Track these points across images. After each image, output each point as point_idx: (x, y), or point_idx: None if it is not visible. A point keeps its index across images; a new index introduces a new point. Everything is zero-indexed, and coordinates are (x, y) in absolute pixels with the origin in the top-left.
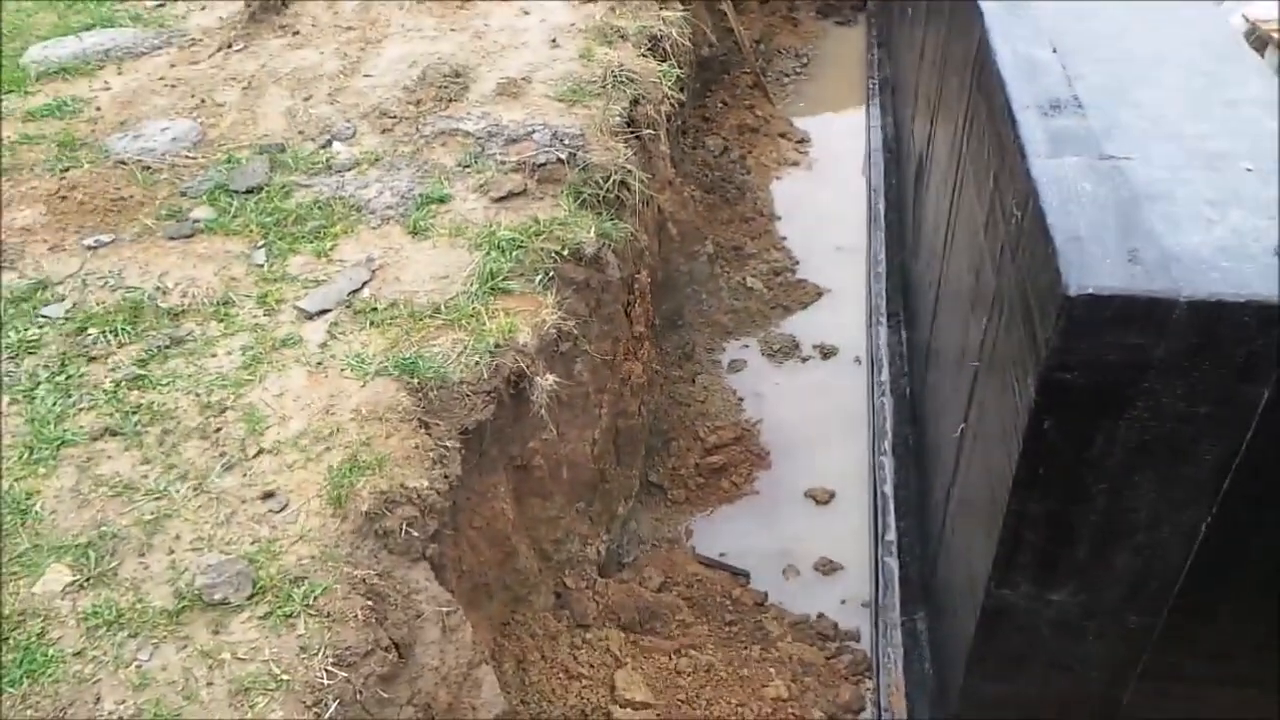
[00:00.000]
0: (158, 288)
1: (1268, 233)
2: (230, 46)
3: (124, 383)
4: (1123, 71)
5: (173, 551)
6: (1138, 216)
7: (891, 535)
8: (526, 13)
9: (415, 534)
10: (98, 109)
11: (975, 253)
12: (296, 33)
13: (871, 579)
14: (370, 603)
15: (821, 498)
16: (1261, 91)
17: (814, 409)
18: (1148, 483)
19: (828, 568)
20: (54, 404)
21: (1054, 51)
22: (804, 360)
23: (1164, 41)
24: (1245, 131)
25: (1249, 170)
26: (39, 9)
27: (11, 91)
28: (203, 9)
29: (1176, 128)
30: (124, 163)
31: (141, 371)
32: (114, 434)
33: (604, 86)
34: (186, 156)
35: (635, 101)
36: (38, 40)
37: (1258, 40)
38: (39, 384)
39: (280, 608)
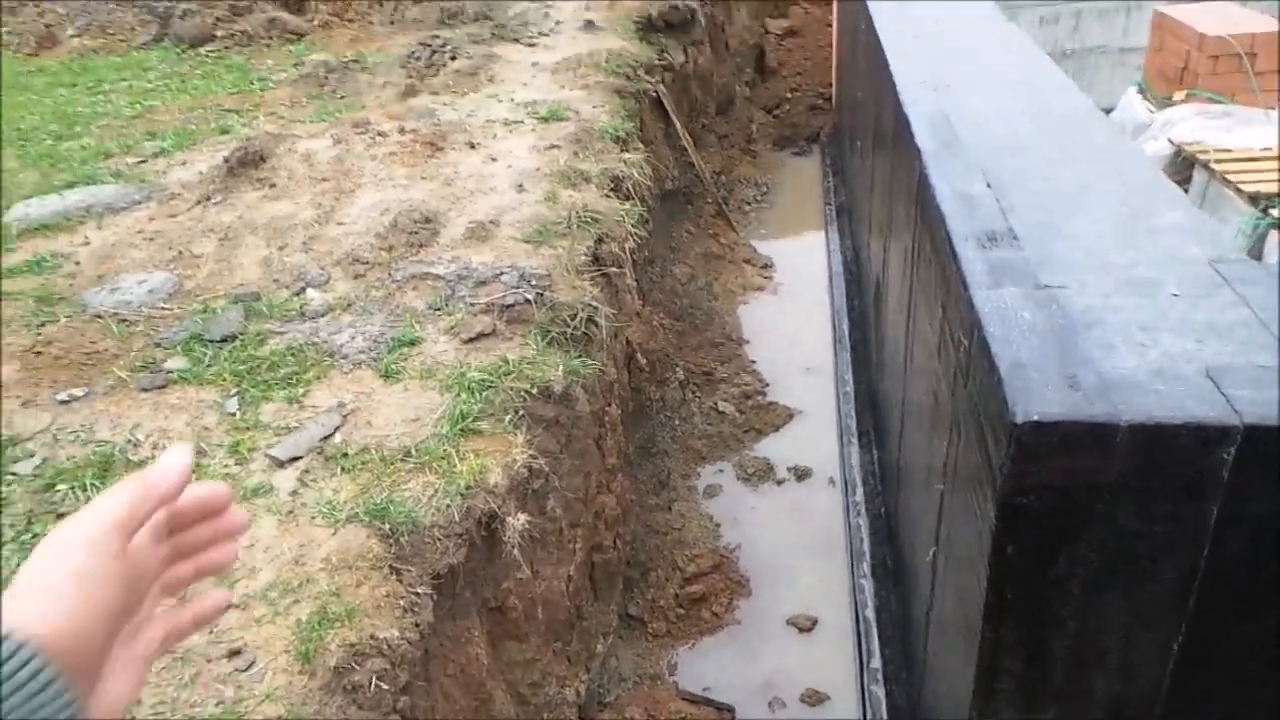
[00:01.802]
0: (129, 440)
1: (1198, 355)
2: (209, 199)
3: None
4: (1052, 204)
5: (134, 717)
6: (1075, 343)
7: (876, 662)
8: (494, 159)
9: (386, 687)
10: (76, 264)
11: (931, 375)
12: (273, 185)
13: (859, 709)
14: None
15: (804, 625)
16: (1182, 219)
17: (791, 532)
18: (1115, 603)
19: (814, 698)
20: (18, 565)
21: (988, 186)
22: (779, 483)
23: (1087, 174)
24: (1170, 258)
25: (1176, 295)
26: (23, 169)
27: None
28: (183, 164)
29: (1106, 257)
30: (100, 316)
31: None
32: None
33: (569, 227)
34: (162, 308)
35: (600, 240)
36: (20, 199)
37: (1183, 162)
38: (4, 544)
39: None
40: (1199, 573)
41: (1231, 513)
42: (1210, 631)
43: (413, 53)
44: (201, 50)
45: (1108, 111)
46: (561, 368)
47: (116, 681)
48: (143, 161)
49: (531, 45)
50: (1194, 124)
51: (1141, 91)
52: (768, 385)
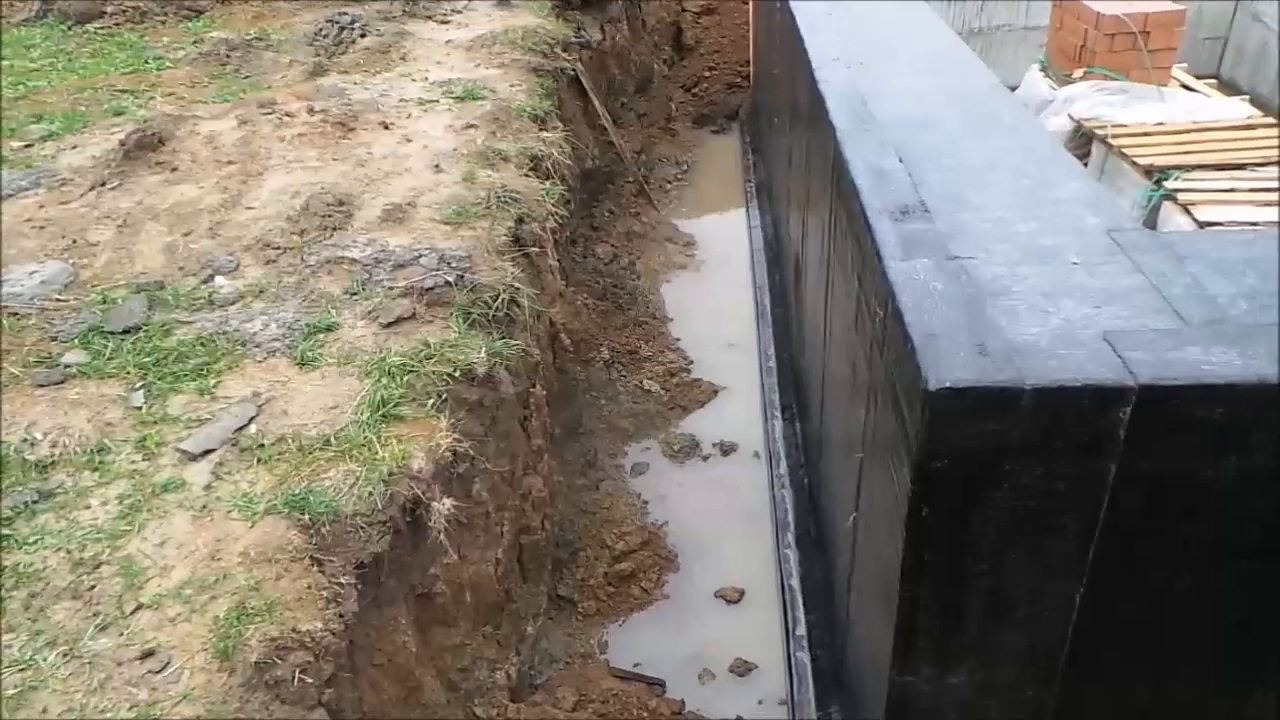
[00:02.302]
0: (25, 439)
1: (1096, 320)
2: (104, 185)
3: None
4: (961, 179)
5: None
6: (983, 312)
7: (802, 629)
8: (409, 139)
9: (310, 680)
10: None
11: (850, 347)
12: (175, 169)
13: (786, 676)
14: None
15: (731, 596)
16: (1081, 190)
17: (718, 506)
18: (1022, 559)
19: (743, 668)
20: None
21: (900, 162)
22: (705, 459)
23: (993, 149)
24: (1070, 227)
25: (1075, 263)
26: None
27: None
28: (74, 148)
29: (1011, 228)
30: None
31: (5, 531)
32: None
33: (488, 208)
34: (57, 299)
35: (520, 220)
36: None
37: (1082, 137)
38: None
39: None
40: (1098, 527)
41: (1127, 470)
42: (1108, 582)
43: (320, 30)
44: (90, 27)
45: (1012, 89)
46: (484, 350)
47: None
48: (29, 145)
49: (445, 22)
50: (1092, 100)
51: (1044, 69)
52: (692, 362)
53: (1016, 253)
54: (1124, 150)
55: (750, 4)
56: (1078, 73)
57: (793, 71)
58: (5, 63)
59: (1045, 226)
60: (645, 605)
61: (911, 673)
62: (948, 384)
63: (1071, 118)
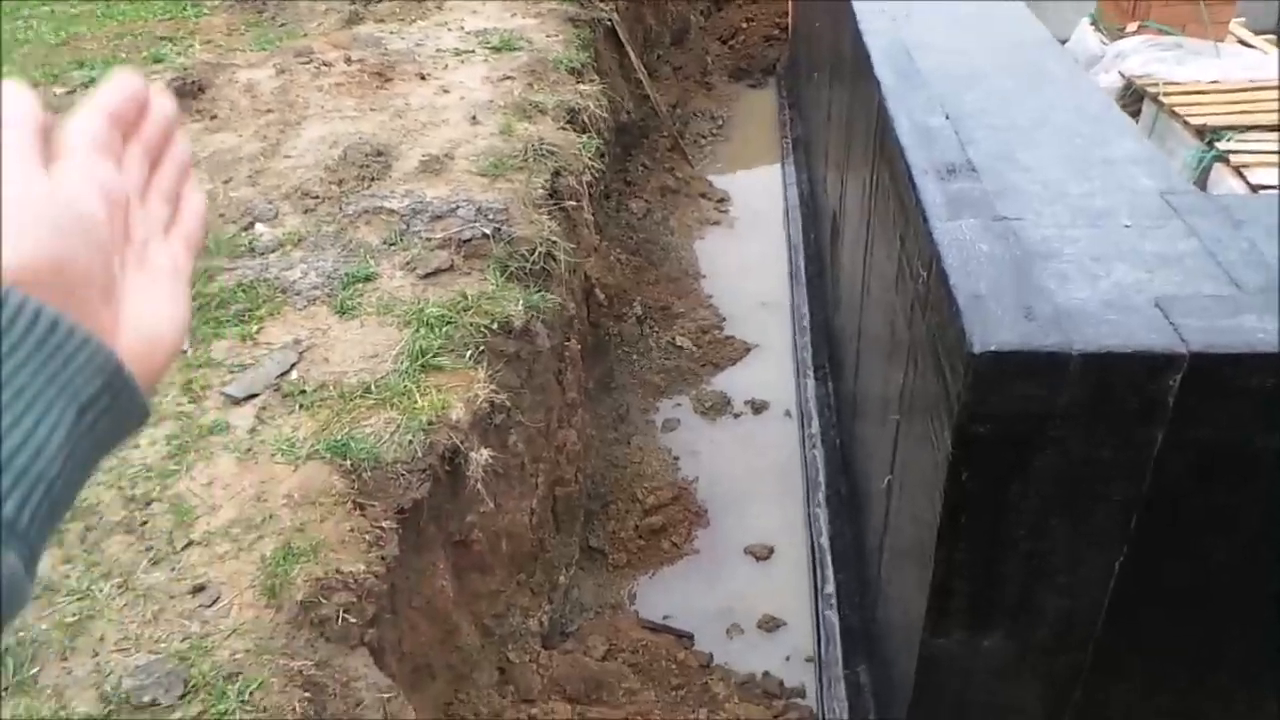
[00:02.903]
0: None
1: (1148, 285)
2: None
3: None
4: (1009, 137)
5: (97, 654)
6: (1031, 274)
7: (830, 588)
8: (446, 91)
9: (353, 620)
10: None
11: (888, 307)
12: (214, 116)
13: (814, 633)
14: (308, 695)
15: (761, 553)
16: (1134, 150)
17: (749, 464)
18: (1063, 526)
19: (770, 624)
20: None
21: (946, 119)
22: (736, 416)
23: (1043, 106)
24: (1122, 188)
25: (1127, 226)
26: None
27: None
28: None
29: (1061, 188)
30: None
31: None
32: None
33: (525, 160)
34: None
35: (557, 173)
36: None
37: (1133, 95)
38: None
39: (214, 706)
40: (1142, 495)
41: (1175, 438)
42: (1151, 550)
43: None
44: None
45: (1061, 43)
46: (521, 303)
47: (146, 300)
48: (71, 92)
49: None
50: (1145, 56)
51: (1094, 23)
52: (724, 320)
53: (1067, 214)
54: (1176, 109)
55: None
56: (1131, 27)
57: (835, 23)
58: (46, 8)
59: (1097, 187)
60: (675, 559)
61: (943, 635)
62: (993, 347)
63: (1122, 74)
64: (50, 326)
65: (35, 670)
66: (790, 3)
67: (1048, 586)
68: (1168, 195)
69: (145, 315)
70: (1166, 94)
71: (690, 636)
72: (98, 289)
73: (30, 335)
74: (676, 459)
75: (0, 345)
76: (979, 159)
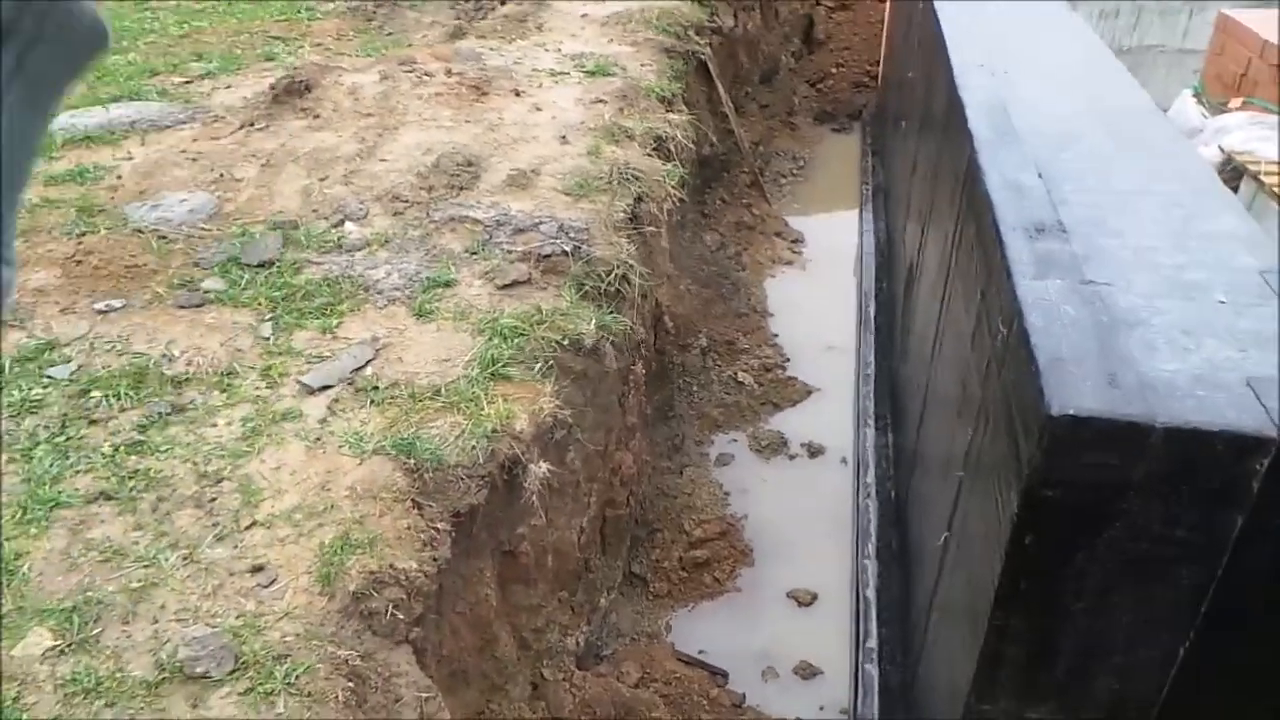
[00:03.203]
0: (164, 355)
1: (1240, 363)
2: (252, 125)
3: (123, 447)
4: (1104, 201)
5: (157, 621)
6: (1117, 342)
7: (873, 642)
8: (539, 109)
9: (400, 616)
10: (118, 178)
11: (962, 364)
12: (317, 115)
13: (851, 686)
14: (351, 684)
15: (804, 599)
16: (1236, 226)
17: (799, 507)
18: (1127, 603)
19: (807, 672)
20: (51, 465)
21: (1039, 177)
22: (791, 458)
23: (1143, 174)
24: (1220, 264)
25: (1223, 302)
26: None
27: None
28: (228, 88)
29: (1154, 257)
30: (140, 231)
31: (141, 437)
32: (108, 498)
33: (610, 183)
34: (202, 228)
35: (639, 198)
36: (66, 109)
37: (1232, 171)
38: (38, 444)
39: (261, 684)
40: (1215, 582)
41: (1257, 525)
42: (1218, 642)
43: None
44: None
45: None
46: (593, 322)
47: None
48: (188, 82)
49: None
50: (1247, 133)
51: (1197, 95)
52: (788, 360)
53: (1159, 284)
54: (1276, 189)
55: (887, 3)
56: (1235, 102)
57: (929, 74)
58: (172, 2)
59: (1193, 260)
60: (716, 595)
61: (990, 702)
62: (1071, 411)
63: (1222, 149)
64: None
65: (98, 630)
66: (883, 51)
67: (1104, 665)
68: (1268, 274)
69: None
70: (1267, 173)
71: (725, 674)
72: None
73: None
74: (727, 494)
75: None
76: (1070, 221)
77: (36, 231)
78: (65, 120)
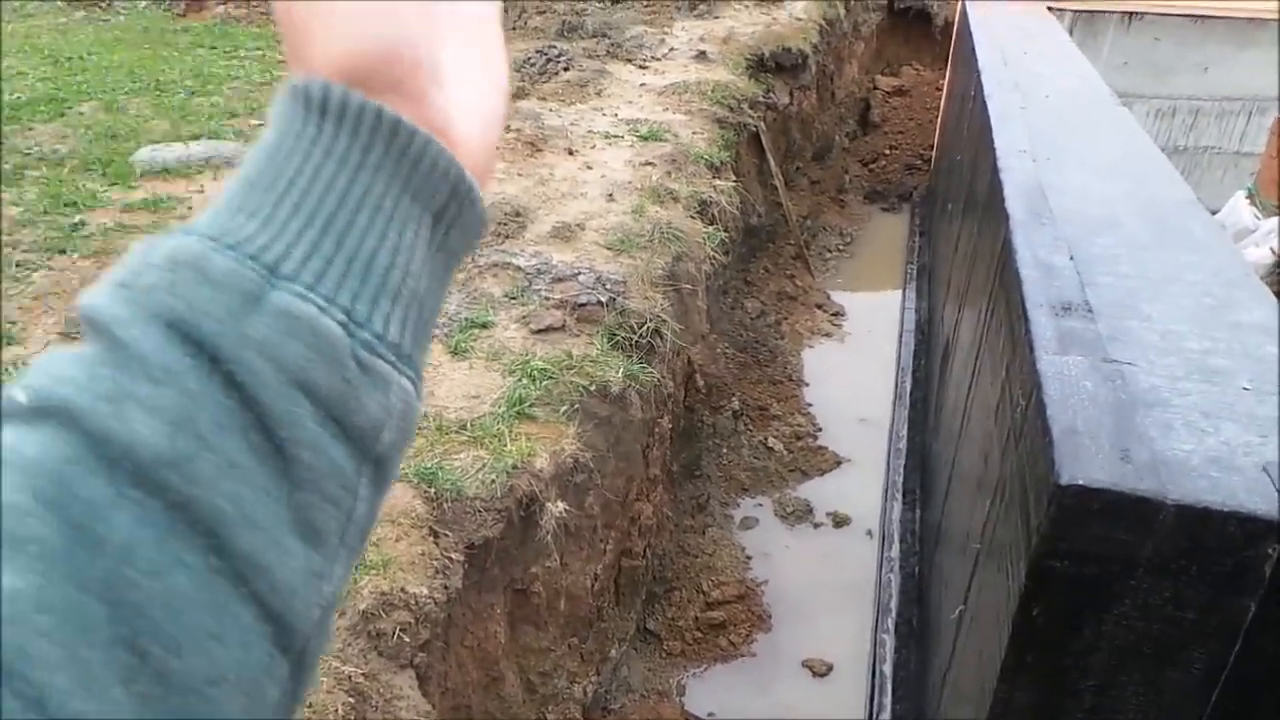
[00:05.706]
0: None
1: (1259, 448)
2: None
3: None
4: (1135, 285)
5: None
6: (1134, 419)
7: (886, 716)
8: (590, 168)
9: (407, 640)
10: (189, 208)
11: (986, 437)
12: None
13: None
14: (352, 700)
15: (819, 669)
16: (1266, 319)
17: (821, 576)
18: (1136, 685)
19: None
20: None
21: (1071, 259)
22: (816, 526)
23: (1176, 263)
24: (1246, 352)
25: (1246, 389)
26: (156, 115)
27: (116, 184)
28: None
29: (1180, 342)
30: None
31: None
32: None
33: (651, 240)
34: None
35: (678, 258)
36: (149, 143)
37: None
38: None
39: None
40: (1227, 668)
41: (1269, 611)
42: None
43: (529, 58)
44: None
45: (1212, 213)
46: (621, 370)
47: (466, 68)
48: (263, 125)
49: (643, 67)
50: None
51: (1250, 196)
52: (820, 429)
53: (1182, 367)
54: None
55: (944, 90)
56: None
57: (975, 158)
58: (259, 52)
59: (1219, 347)
60: (730, 658)
61: None
62: (1080, 481)
63: (1273, 251)
64: (393, 129)
65: None
66: (937, 136)
67: None
68: None
69: (470, 87)
70: None
71: None
72: (425, 71)
73: (376, 140)
74: (749, 558)
75: (349, 155)
76: (1098, 302)
77: (107, 253)
78: (147, 153)
